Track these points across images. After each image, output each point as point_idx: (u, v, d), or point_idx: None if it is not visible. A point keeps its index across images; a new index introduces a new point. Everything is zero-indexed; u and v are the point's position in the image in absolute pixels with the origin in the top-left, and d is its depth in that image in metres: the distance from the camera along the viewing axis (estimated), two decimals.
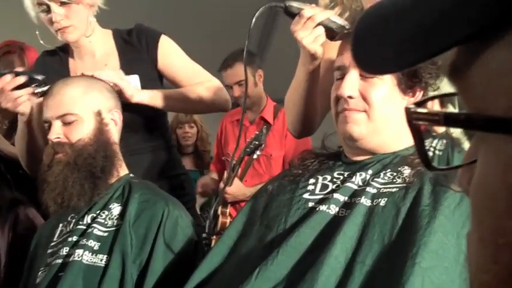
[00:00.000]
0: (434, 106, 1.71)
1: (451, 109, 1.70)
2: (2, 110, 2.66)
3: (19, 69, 2.12)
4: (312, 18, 1.74)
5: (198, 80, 2.44)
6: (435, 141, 1.52)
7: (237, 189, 3.54)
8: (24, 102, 2.14)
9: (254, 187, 3.56)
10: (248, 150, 3.30)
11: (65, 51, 2.48)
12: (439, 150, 1.48)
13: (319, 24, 1.74)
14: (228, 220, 3.65)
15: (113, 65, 2.39)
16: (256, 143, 3.42)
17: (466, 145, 1.51)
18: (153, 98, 2.29)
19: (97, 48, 2.42)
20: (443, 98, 1.68)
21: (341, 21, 1.76)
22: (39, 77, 2.11)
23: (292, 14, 1.77)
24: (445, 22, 0.49)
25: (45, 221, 2.29)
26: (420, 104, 0.60)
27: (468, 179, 0.55)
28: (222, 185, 3.56)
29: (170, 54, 2.45)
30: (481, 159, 0.52)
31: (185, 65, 2.46)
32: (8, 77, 2.09)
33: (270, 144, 3.70)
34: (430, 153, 1.47)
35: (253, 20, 1.78)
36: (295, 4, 1.77)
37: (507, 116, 0.47)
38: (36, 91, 2.11)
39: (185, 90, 2.42)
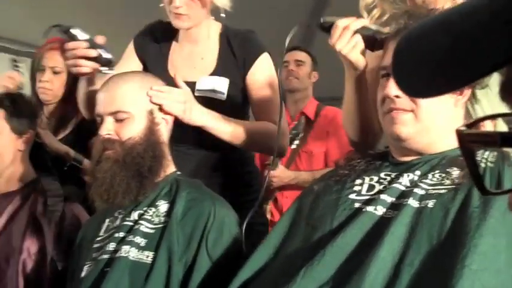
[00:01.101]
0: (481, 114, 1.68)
1: (502, 126, 1.68)
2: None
3: (99, 39, 2.08)
4: (347, 27, 1.75)
5: (269, 116, 2.31)
6: (486, 153, 1.50)
7: (282, 171, 3.56)
8: (84, 73, 2.13)
9: (298, 172, 3.57)
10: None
11: (168, 32, 2.43)
12: (491, 162, 1.46)
13: (355, 32, 1.75)
14: (269, 217, 3.67)
15: (209, 61, 2.36)
16: (294, 132, 3.43)
17: None
18: (213, 128, 2.18)
19: (201, 39, 2.38)
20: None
21: (377, 28, 1.77)
22: (109, 57, 2.08)
23: (327, 29, 1.78)
24: (495, 40, 0.48)
25: (90, 216, 2.32)
26: (472, 125, 0.59)
27: None
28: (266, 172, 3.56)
29: (262, 75, 2.34)
30: None
31: (268, 95, 2.34)
32: (84, 45, 2.06)
33: (311, 141, 3.70)
34: (482, 165, 1.46)
35: (287, 39, 1.79)
36: (328, 19, 1.79)
37: None
38: (102, 70, 2.09)
39: (249, 126, 2.30)
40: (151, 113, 1.96)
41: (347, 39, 1.76)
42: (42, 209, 2.32)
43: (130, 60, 2.42)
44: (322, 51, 3.93)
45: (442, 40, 0.51)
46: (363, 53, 1.79)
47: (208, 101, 2.26)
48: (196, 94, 2.27)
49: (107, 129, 1.93)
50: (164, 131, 2.00)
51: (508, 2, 0.46)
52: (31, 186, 2.40)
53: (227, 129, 2.20)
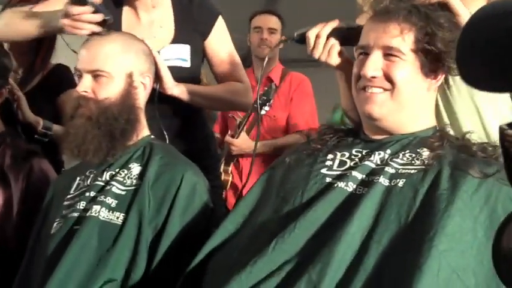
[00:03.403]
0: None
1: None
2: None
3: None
4: (319, 35, 1.79)
5: (233, 75, 2.47)
6: None
7: (243, 141, 3.58)
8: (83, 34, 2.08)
9: (259, 142, 3.61)
10: (256, 106, 3.32)
11: None
12: None
13: (329, 37, 1.79)
14: (230, 178, 3.71)
15: (168, 28, 2.38)
16: (265, 98, 3.46)
17: None
18: (185, 93, 2.28)
19: (157, 6, 2.38)
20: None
21: (347, 24, 1.81)
22: (108, 18, 2.04)
23: (303, 41, 1.83)
24: None
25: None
26: None
27: None
28: (228, 138, 3.59)
29: (221, 38, 2.45)
30: None
31: (228, 55, 2.46)
32: (89, 9, 2.01)
33: (274, 105, 3.73)
34: None
35: (266, 59, 1.82)
36: (300, 31, 1.84)
37: None
38: (99, 32, 2.03)
39: (216, 90, 2.46)
40: (130, 76, 1.96)
41: (322, 47, 1.80)
42: (10, 162, 2.31)
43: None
44: (286, 13, 3.99)
45: None
46: (341, 53, 1.82)
47: (174, 69, 2.30)
48: None
49: (84, 86, 1.93)
50: (141, 95, 2.01)
51: None
52: None
53: (202, 101, 2.36)
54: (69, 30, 2.05)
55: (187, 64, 2.39)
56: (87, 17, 2.00)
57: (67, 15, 2.01)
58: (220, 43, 2.46)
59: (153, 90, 2.10)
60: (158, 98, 2.17)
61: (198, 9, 2.41)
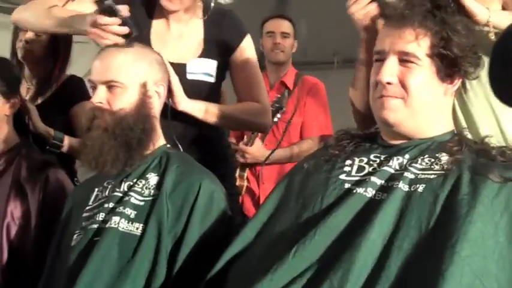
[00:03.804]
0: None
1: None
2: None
3: (123, 11, 2.02)
4: None
5: (252, 95, 2.46)
6: None
7: (257, 149, 3.57)
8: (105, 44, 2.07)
9: (273, 150, 3.61)
10: None
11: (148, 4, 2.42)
12: None
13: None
14: (245, 184, 3.71)
15: (197, 42, 2.39)
16: (277, 105, 3.46)
17: None
18: (197, 110, 2.27)
19: (189, 20, 2.40)
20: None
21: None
22: (133, 33, 2.03)
23: None
24: None
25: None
26: None
27: None
28: (242, 146, 3.59)
29: (245, 57, 2.45)
30: None
31: (251, 74, 2.47)
32: (117, 21, 2.00)
33: (289, 110, 3.73)
34: None
35: None
36: None
37: None
38: (122, 44, 2.03)
39: (231, 110, 2.46)
40: (144, 85, 1.97)
41: (362, 5, 1.79)
42: (26, 174, 2.33)
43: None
44: (295, 17, 4.00)
45: None
46: (374, 20, 1.81)
47: (199, 84, 2.34)
48: (188, 77, 2.34)
49: (99, 97, 1.93)
50: (156, 104, 2.01)
51: None
52: (15, 150, 2.40)
53: (216, 120, 2.34)
54: (93, 37, 2.05)
55: (212, 79, 2.41)
56: (114, 29, 2.00)
57: (94, 24, 2.02)
58: (244, 61, 2.45)
59: (165, 105, 2.11)
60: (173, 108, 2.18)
61: (227, 26, 2.42)
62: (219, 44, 2.40)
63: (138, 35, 2.06)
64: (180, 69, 2.28)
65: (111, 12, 2.00)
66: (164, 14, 2.37)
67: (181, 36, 2.39)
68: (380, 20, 1.79)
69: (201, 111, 2.28)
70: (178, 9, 2.32)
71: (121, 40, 2.01)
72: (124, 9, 2.02)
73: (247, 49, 2.45)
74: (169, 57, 2.20)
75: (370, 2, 1.78)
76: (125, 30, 2.00)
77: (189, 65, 2.35)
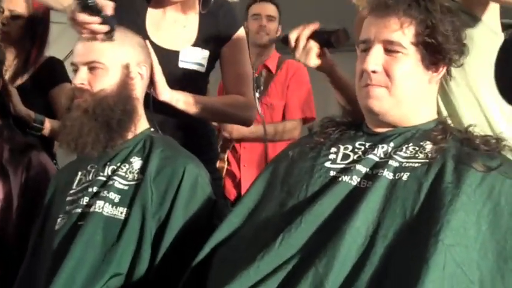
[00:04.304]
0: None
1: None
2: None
3: (107, 8, 1.97)
4: (299, 38, 1.84)
5: (239, 88, 2.45)
6: None
7: None
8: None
9: (257, 126, 3.61)
10: None
11: None
12: None
13: (309, 39, 1.84)
14: (226, 166, 3.72)
15: (191, 30, 2.38)
16: (254, 84, 3.46)
17: None
18: (179, 102, 2.25)
19: (186, 8, 2.38)
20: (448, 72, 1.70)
21: (330, 27, 1.86)
22: (113, 32, 1.97)
23: (286, 41, 1.89)
24: None
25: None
26: None
27: None
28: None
29: (237, 49, 2.45)
30: None
31: (240, 67, 2.47)
32: (95, 20, 1.94)
33: (271, 93, 3.75)
34: None
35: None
36: (285, 33, 1.90)
37: None
38: (102, 39, 1.98)
39: (215, 102, 2.47)
40: (126, 67, 1.96)
41: (301, 49, 1.85)
42: (9, 156, 2.31)
43: None
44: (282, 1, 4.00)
45: None
46: (320, 56, 1.86)
47: (190, 73, 2.34)
48: (180, 65, 2.34)
49: (81, 78, 1.93)
50: (138, 86, 2.01)
51: None
52: None
53: (199, 112, 2.31)
54: (73, 27, 2.03)
55: (203, 69, 2.41)
56: (93, 27, 1.95)
57: (73, 19, 1.98)
58: (235, 54, 2.45)
59: (147, 94, 2.10)
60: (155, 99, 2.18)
61: (223, 16, 2.41)
62: (213, 34, 2.39)
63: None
64: (173, 56, 2.29)
65: (92, 8, 1.95)
66: (162, 3, 2.36)
67: (176, 24, 2.38)
68: (364, 10, 1.81)
69: (183, 102, 2.25)
70: (178, 0, 2.33)
71: (101, 36, 1.97)
72: (108, 7, 1.97)
73: (240, 41, 2.45)
74: (163, 43, 2.22)
75: (307, 42, 1.85)
76: (105, 29, 1.96)
77: (182, 53, 2.35)
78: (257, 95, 3.53)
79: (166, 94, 2.18)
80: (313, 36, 1.85)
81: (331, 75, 1.89)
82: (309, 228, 1.51)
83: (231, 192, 3.72)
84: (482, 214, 1.42)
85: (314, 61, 1.86)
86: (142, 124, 2.02)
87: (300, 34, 1.84)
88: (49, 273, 1.80)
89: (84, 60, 1.94)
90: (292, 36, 1.85)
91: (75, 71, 1.96)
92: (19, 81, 2.86)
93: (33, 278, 1.90)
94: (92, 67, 1.93)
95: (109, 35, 1.96)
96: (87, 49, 1.95)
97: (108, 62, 1.94)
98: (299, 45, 1.84)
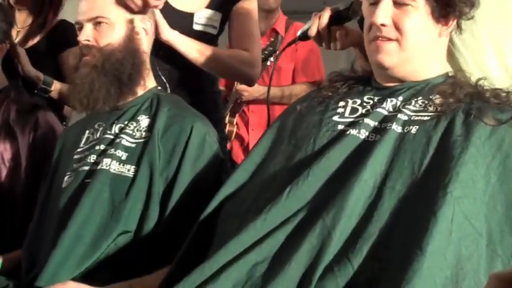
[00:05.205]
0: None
1: None
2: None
3: None
4: (321, 31, 1.89)
5: (244, 44, 2.46)
6: None
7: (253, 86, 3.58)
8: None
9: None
10: (262, 56, 3.31)
11: None
12: None
13: (329, 27, 1.89)
14: (235, 129, 3.72)
15: None
16: (271, 49, 3.45)
17: None
18: (182, 44, 2.24)
19: None
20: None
21: (342, 5, 1.88)
22: None
23: (307, 38, 1.94)
24: None
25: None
26: None
27: None
28: (239, 85, 3.59)
29: (249, 8, 2.47)
30: None
31: (248, 25, 2.47)
32: None
33: (280, 57, 3.72)
34: None
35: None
36: (301, 30, 1.97)
37: None
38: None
39: (219, 51, 2.42)
40: (131, 21, 1.96)
41: (329, 41, 1.90)
42: (16, 116, 2.31)
43: None
44: None
45: None
46: (347, 33, 1.89)
47: (203, 35, 2.35)
48: (194, 28, 2.36)
49: (86, 35, 1.92)
50: (144, 41, 2.00)
51: None
52: (3, 93, 2.38)
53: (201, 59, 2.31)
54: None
55: (215, 32, 2.43)
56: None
57: None
58: (245, 12, 2.45)
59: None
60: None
61: None
62: None
63: None
64: (187, 18, 2.30)
65: None
66: None
67: None
68: None
69: (185, 44, 2.26)
70: None
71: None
72: None
73: (250, 2, 2.47)
74: (178, 5, 2.23)
75: (329, 31, 1.88)
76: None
77: (197, 15, 2.35)
78: (271, 59, 3.53)
79: (169, 33, 2.18)
80: (331, 22, 1.86)
81: (361, 44, 1.83)
82: (316, 181, 1.50)
83: (240, 157, 3.72)
84: (491, 166, 1.40)
85: (345, 44, 1.88)
86: (150, 82, 2.01)
87: (319, 27, 1.86)
88: (57, 230, 1.80)
89: (88, 16, 1.93)
90: (312, 32, 1.87)
91: (80, 29, 1.95)
92: (30, 43, 2.84)
93: (42, 235, 1.90)
94: (97, 22, 1.93)
95: None
96: (91, 5, 1.94)
97: (113, 17, 1.93)
98: (325, 38, 1.87)
